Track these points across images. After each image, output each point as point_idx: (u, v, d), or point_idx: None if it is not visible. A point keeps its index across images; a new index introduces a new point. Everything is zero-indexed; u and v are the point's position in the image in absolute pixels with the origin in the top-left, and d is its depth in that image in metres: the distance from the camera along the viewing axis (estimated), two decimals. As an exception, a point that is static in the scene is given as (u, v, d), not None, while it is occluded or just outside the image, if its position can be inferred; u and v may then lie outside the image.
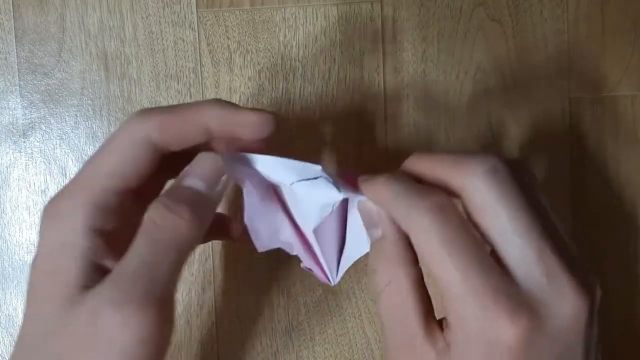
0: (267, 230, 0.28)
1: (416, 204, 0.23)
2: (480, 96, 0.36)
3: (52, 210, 0.25)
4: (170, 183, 0.27)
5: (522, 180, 0.23)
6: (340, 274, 0.29)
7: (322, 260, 0.29)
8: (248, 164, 0.26)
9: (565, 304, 0.22)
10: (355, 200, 0.27)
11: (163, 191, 0.25)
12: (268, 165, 0.26)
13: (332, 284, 0.29)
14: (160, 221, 0.24)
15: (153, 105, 0.36)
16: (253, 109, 0.26)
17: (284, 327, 0.37)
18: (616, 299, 0.36)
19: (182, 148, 0.26)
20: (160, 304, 0.23)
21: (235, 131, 0.26)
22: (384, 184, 0.25)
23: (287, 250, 0.30)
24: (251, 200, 0.27)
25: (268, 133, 0.26)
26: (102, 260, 0.25)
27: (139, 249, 0.23)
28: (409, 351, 0.24)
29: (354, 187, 0.27)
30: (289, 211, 0.29)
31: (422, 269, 0.25)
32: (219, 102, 0.26)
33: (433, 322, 0.25)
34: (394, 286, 0.25)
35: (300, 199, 0.27)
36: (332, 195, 0.26)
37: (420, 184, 0.25)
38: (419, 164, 0.26)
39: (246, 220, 0.27)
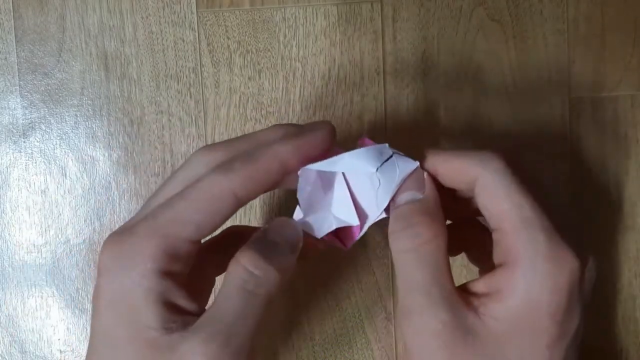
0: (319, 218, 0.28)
1: (487, 154, 0.26)
2: (480, 96, 0.36)
3: (119, 250, 0.25)
4: None
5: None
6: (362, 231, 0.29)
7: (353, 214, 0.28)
8: (328, 170, 0.27)
9: (573, 259, 0.25)
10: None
11: (247, 243, 0.26)
12: (348, 164, 0.27)
13: (356, 237, 0.28)
14: (256, 271, 0.24)
15: (153, 105, 0.36)
16: (313, 126, 0.27)
17: (284, 327, 0.37)
18: (616, 299, 0.36)
19: (259, 195, 0.26)
20: (249, 352, 0.24)
21: (309, 158, 0.26)
22: (448, 151, 0.27)
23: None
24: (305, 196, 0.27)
25: (333, 138, 0.27)
26: (176, 300, 0.25)
27: (231, 297, 0.24)
28: (447, 306, 0.25)
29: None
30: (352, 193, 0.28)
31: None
32: (286, 135, 0.26)
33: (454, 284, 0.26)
34: (438, 242, 0.25)
35: (371, 185, 0.27)
36: (410, 165, 0.27)
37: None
38: (437, 157, 0.27)
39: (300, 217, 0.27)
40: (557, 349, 0.25)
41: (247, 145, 0.26)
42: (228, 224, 0.32)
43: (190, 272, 0.26)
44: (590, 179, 0.36)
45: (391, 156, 0.27)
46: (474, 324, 0.25)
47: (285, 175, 0.26)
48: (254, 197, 0.26)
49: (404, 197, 0.26)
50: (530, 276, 0.24)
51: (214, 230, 0.26)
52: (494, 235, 0.26)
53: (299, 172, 0.26)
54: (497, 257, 0.26)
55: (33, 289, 0.37)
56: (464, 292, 0.26)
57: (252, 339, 0.24)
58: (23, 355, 0.37)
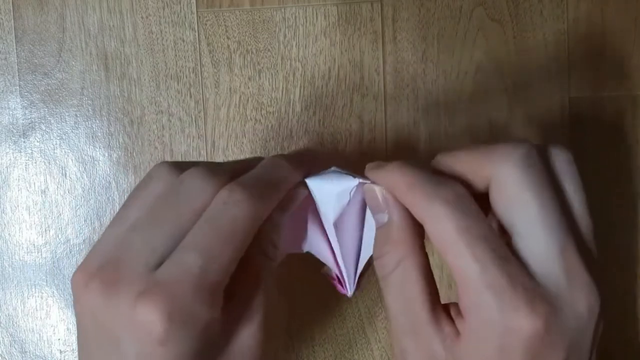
0: (292, 235, 0.29)
1: (433, 193, 0.23)
2: (481, 96, 0.36)
3: (179, 311, 0.22)
4: None
5: (553, 168, 0.24)
6: (356, 280, 0.29)
7: (341, 265, 0.29)
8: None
9: (581, 302, 0.22)
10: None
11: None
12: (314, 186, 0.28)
13: (348, 293, 0.30)
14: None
15: (153, 105, 0.36)
16: (299, 155, 0.28)
17: (284, 327, 0.36)
18: (616, 299, 0.36)
19: None
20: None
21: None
22: (397, 172, 0.25)
23: (316, 254, 0.30)
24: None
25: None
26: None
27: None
28: (415, 336, 0.25)
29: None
30: (319, 217, 0.29)
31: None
32: (288, 169, 0.27)
33: (439, 308, 0.25)
34: (402, 269, 0.25)
35: (318, 197, 0.28)
36: (347, 182, 0.27)
37: (435, 174, 0.24)
38: (443, 159, 0.25)
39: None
40: None
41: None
42: None
43: None
44: (591, 179, 0.36)
45: (329, 170, 0.28)
46: (436, 351, 0.24)
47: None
48: None
49: (377, 218, 0.26)
50: (478, 342, 0.23)
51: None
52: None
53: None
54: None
55: (33, 289, 0.37)
56: (438, 319, 0.24)
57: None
58: (23, 355, 0.37)
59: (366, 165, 0.27)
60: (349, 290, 0.29)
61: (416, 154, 0.36)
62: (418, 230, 0.25)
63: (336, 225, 0.28)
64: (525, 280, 0.22)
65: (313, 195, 0.28)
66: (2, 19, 0.36)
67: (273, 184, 0.26)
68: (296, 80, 0.36)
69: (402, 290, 0.25)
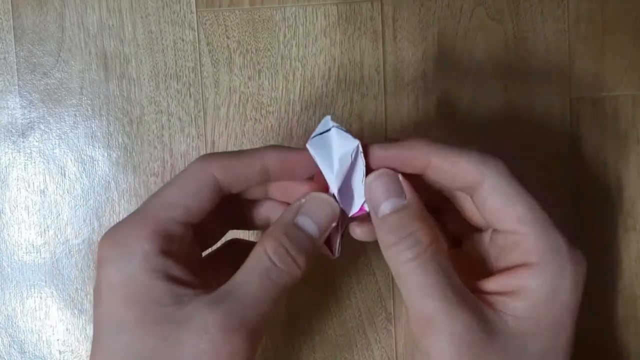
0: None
1: (490, 156, 0.26)
2: (481, 96, 0.36)
3: (116, 239, 0.26)
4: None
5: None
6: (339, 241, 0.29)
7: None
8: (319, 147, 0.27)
9: (582, 263, 0.26)
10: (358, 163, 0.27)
11: (276, 223, 0.27)
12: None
13: (336, 254, 0.29)
14: (280, 264, 0.25)
15: (152, 105, 0.36)
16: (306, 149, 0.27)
17: (284, 328, 0.36)
18: (617, 299, 0.36)
19: (242, 189, 0.28)
20: (261, 337, 0.25)
21: (292, 171, 0.27)
22: (446, 148, 0.26)
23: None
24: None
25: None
26: (181, 275, 0.25)
27: (252, 281, 0.25)
28: (460, 306, 0.24)
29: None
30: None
31: None
32: (276, 146, 0.27)
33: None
34: (437, 244, 0.25)
35: (320, 163, 0.27)
36: (348, 144, 0.26)
37: None
38: (438, 155, 0.26)
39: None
40: (570, 345, 0.25)
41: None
42: (229, 236, 0.32)
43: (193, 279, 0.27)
44: (591, 179, 0.36)
45: (330, 129, 0.27)
46: (495, 322, 0.25)
47: (266, 178, 0.27)
48: (237, 188, 0.27)
49: (386, 205, 0.26)
50: (555, 276, 0.25)
51: (202, 214, 0.27)
52: (502, 238, 0.26)
53: (307, 145, 0.27)
54: (509, 258, 0.26)
55: (32, 290, 0.36)
56: (475, 291, 0.26)
57: (265, 322, 0.25)
58: (22, 355, 0.36)
59: (372, 147, 0.27)
60: (337, 251, 0.29)
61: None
62: None
63: (339, 192, 0.27)
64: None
65: (315, 160, 0.27)
66: (1, 18, 0.36)
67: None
68: (296, 79, 0.36)
69: (442, 263, 0.25)
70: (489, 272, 0.27)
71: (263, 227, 0.30)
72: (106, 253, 0.25)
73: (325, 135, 0.27)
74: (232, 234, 0.33)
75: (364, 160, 0.27)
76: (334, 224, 0.27)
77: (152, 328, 0.24)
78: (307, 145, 0.27)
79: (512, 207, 0.25)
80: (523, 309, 0.25)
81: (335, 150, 0.27)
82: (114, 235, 0.26)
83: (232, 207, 0.29)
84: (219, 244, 0.32)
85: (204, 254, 0.30)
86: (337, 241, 0.28)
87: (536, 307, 0.25)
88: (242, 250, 0.28)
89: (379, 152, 0.26)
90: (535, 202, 0.25)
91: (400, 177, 0.26)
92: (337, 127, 0.27)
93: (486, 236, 0.28)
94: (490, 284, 0.26)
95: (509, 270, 0.26)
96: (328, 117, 0.27)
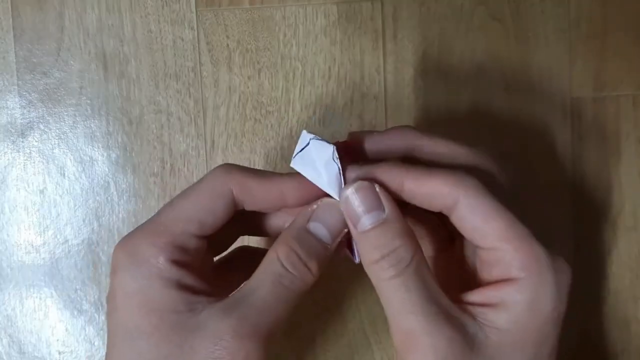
0: None
1: (463, 174, 0.25)
2: (481, 96, 0.36)
3: (130, 250, 0.26)
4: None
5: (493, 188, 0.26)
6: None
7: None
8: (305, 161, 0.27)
9: (566, 273, 0.26)
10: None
11: (288, 229, 0.27)
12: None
13: (356, 260, 0.28)
14: (292, 270, 0.25)
15: (152, 105, 0.36)
16: None
17: (285, 329, 0.36)
18: (617, 299, 0.36)
19: (257, 210, 0.28)
20: (271, 342, 0.25)
21: (309, 200, 0.27)
22: (418, 169, 0.26)
23: None
24: None
25: None
26: (195, 284, 0.26)
27: (264, 287, 0.25)
28: (444, 321, 0.24)
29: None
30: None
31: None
32: (296, 176, 0.27)
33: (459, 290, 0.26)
34: (418, 259, 0.25)
35: (312, 178, 0.27)
36: (326, 150, 0.26)
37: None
38: (410, 178, 0.26)
39: None
40: (555, 354, 0.26)
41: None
42: (238, 243, 0.32)
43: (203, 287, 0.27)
44: (591, 179, 0.36)
45: (309, 143, 0.26)
46: (478, 335, 0.25)
47: (283, 205, 0.27)
48: (252, 207, 0.27)
49: (366, 219, 0.26)
50: (536, 289, 0.25)
51: (217, 226, 0.27)
52: (484, 253, 0.26)
53: (291, 165, 0.27)
54: (492, 272, 0.26)
55: (31, 290, 0.36)
56: (459, 301, 0.26)
57: (279, 327, 0.25)
58: (22, 356, 0.36)
59: (348, 168, 0.26)
60: (357, 256, 0.28)
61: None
62: None
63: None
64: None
65: (305, 176, 0.27)
66: (0, 17, 0.36)
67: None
68: (296, 79, 0.36)
69: (424, 278, 0.25)
70: (477, 279, 0.27)
71: (275, 234, 0.30)
72: (121, 261, 0.26)
73: (305, 150, 0.26)
74: (241, 239, 0.32)
75: (339, 166, 0.26)
76: (345, 230, 0.27)
77: (167, 335, 0.25)
78: (292, 165, 0.27)
79: (489, 224, 0.25)
80: (505, 321, 0.25)
81: (318, 162, 0.26)
82: (128, 243, 0.26)
83: (246, 217, 0.29)
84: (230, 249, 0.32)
85: (216, 259, 0.31)
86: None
87: (518, 320, 0.25)
88: (252, 256, 0.29)
89: (352, 174, 0.26)
90: (512, 217, 0.25)
91: (378, 188, 0.26)
92: (313, 138, 0.26)
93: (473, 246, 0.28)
94: (474, 296, 0.26)
95: (491, 284, 0.26)
96: (304, 132, 0.27)
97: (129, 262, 0.26)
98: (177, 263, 0.26)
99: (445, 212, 0.26)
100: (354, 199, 0.26)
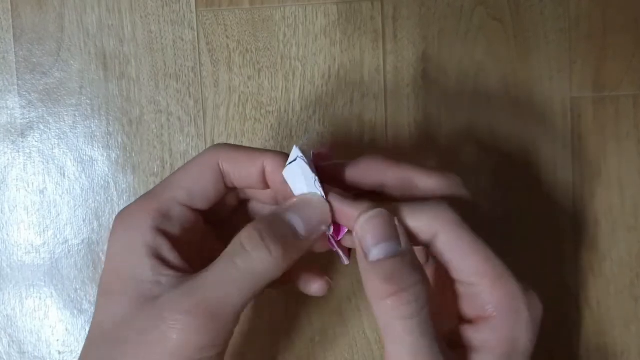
0: None
1: (440, 207, 0.26)
2: (481, 96, 0.36)
3: (124, 215, 0.27)
4: None
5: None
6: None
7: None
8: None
9: (538, 305, 0.26)
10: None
11: (264, 214, 0.28)
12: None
13: (344, 262, 0.29)
14: (249, 248, 0.25)
15: (152, 105, 0.36)
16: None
17: (284, 328, 0.36)
18: (617, 299, 0.36)
19: (243, 185, 0.28)
20: (223, 322, 0.25)
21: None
22: (397, 207, 0.26)
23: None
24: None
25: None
26: (168, 256, 0.26)
27: (219, 268, 0.25)
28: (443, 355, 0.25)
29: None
30: None
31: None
32: (280, 153, 0.28)
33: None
34: (426, 294, 0.25)
35: (297, 188, 0.27)
36: (309, 177, 0.26)
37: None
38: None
39: None
40: None
41: None
42: None
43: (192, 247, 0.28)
44: (592, 179, 0.36)
45: (296, 159, 0.26)
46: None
47: (264, 182, 0.28)
48: (239, 182, 0.28)
49: (381, 248, 0.24)
50: (513, 326, 0.25)
51: (207, 200, 0.28)
52: (462, 287, 0.26)
53: (282, 173, 0.27)
54: (473, 307, 0.26)
55: (31, 290, 0.36)
56: (451, 342, 0.26)
57: (236, 315, 0.25)
58: (21, 355, 0.36)
59: (330, 196, 0.26)
60: (348, 259, 0.28)
61: (416, 154, 0.36)
62: None
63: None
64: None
65: (292, 188, 0.27)
66: (0, 17, 0.36)
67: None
68: (296, 79, 0.36)
69: (430, 324, 0.24)
70: (456, 309, 0.27)
71: None
72: (114, 226, 0.27)
73: (293, 165, 0.26)
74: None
75: (322, 193, 0.26)
76: (323, 227, 0.26)
77: (132, 301, 0.25)
78: (283, 174, 0.27)
79: (466, 260, 0.25)
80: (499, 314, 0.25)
81: (302, 184, 0.27)
82: (124, 210, 0.28)
83: (249, 209, 0.30)
84: None
85: None
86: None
87: (498, 358, 0.25)
88: None
89: (335, 204, 0.26)
90: (488, 251, 0.25)
91: (397, 221, 0.25)
92: (301, 157, 0.26)
93: None
94: (461, 336, 0.26)
95: (472, 323, 0.26)
96: (295, 147, 0.26)
97: (120, 227, 0.27)
98: (162, 232, 0.26)
99: (424, 246, 0.26)
100: (371, 227, 0.24)
